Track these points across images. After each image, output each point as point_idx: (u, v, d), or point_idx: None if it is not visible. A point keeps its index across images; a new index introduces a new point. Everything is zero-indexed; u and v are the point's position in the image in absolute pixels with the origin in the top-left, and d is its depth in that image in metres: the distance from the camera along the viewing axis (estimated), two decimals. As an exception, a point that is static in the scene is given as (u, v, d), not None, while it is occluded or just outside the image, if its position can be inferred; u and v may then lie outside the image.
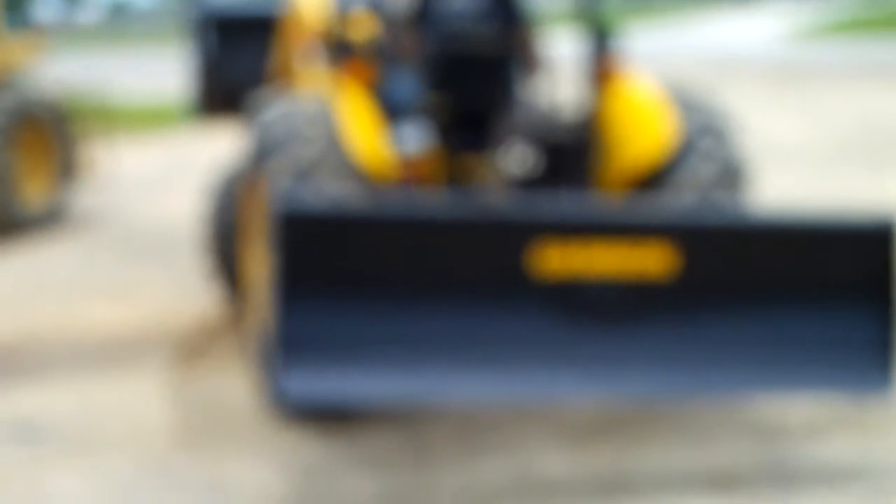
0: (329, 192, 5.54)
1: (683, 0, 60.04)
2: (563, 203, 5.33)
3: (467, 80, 6.60)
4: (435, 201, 5.39)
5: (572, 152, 6.48)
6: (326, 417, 5.77)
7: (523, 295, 5.03)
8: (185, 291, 8.40)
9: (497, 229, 5.05)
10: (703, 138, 6.21)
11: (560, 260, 5.01)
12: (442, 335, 5.00)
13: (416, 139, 6.16)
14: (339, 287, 4.91)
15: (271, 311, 4.91)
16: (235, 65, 8.29)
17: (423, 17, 6.71)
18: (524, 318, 5.05)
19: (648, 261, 5.06)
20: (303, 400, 4.91)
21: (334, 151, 5.72)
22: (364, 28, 6.49)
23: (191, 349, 7.14)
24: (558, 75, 6.83)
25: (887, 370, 5.21)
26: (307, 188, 5.53)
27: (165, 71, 20.92)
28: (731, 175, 6.17)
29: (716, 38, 36.24)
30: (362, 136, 5.84)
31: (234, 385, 6.40)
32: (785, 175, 10.50)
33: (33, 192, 11.01)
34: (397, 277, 4.98)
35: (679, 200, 5.95)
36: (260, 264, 6.07)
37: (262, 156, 5.81)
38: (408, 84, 6.45)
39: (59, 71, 15.16)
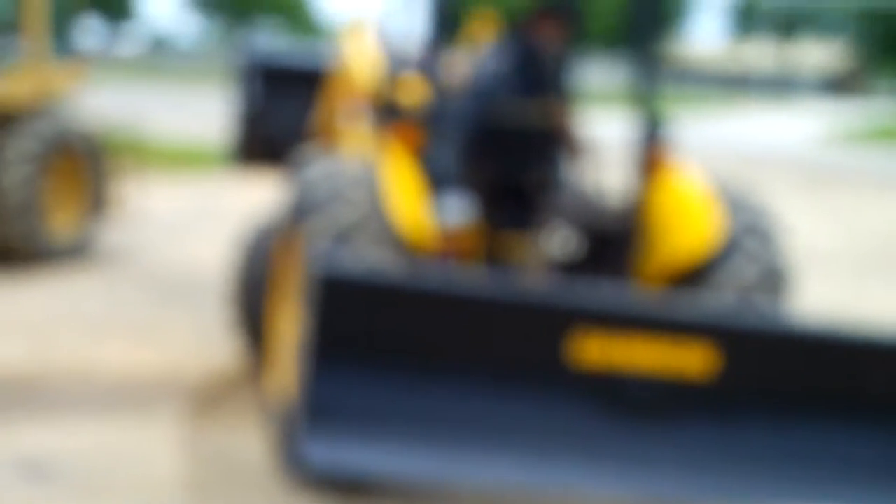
0: (367, 258, 5.44)
1: (718, 93, 60.19)
2: (607, 293, 5.24)
3: (510, 153, 6.54)
4: (477, 278, 5.31)
5: (615, 240, 6.39)
6: (341, 485, 5.64)
7: (559, 383, 4.94)
8: (206, 339, 8.30)
9: (539, 313, 4.96)
10: (749, 238, 6.12)
11: (600, 351, 4.91)
12: (471, 415, 4.90)
13: (459, 211, 6.07)
14: (370, 356, 4.82)
15: (298, 374, 4.81)
16: (279, 115, 8.24)
17: (472, 87, 6.66)
18: (557, 407, 4.95)
19: (689, 360, 4.96)
20: (324, 468, 4.80)
21: (376, 216, 5.64)
22: (414, 92, 6.43)
23: (207, 400, 7.03)
24: (603, 158, 6.75)
25: None
26: (346, 252, 5.43)
27: (203, 111, 20.96)
28: (773, 278, 6.08)
29: (751, 133, 36.21)
30: (405, 203, 5.75)
31: (249, 442, 6.27)
32: (818, 281, 10.37)
33: (61, 223, 10.95)
34: (431, 352, 4.89)
35: (722, 300, 5.84)
36: (289, 323, 5.96)
37: (301, 213, 5.72)
38: (452, 153, 6.37)
39: (97, 102, 15.16)
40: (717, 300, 5.86)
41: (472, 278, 5.25)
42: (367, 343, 4.84)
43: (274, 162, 8.24)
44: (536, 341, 4.94)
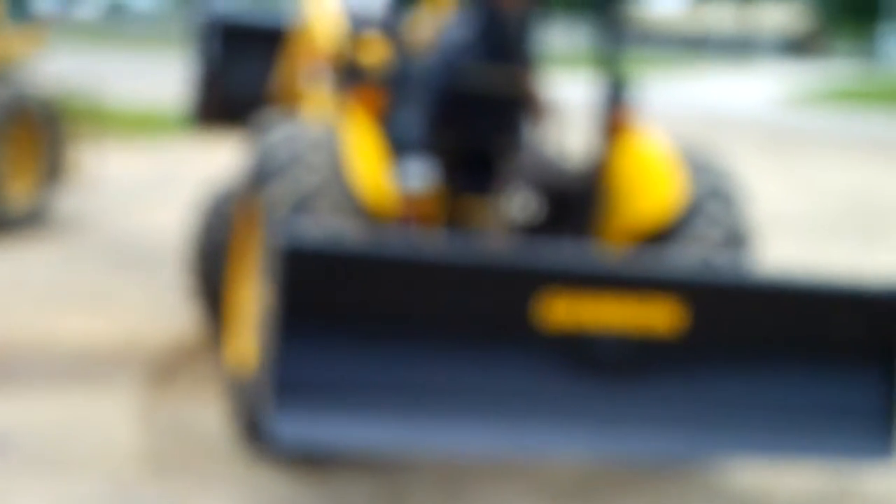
0: (328, 226, 5.36)
1: (679, 55, 60.27)
2: (572, 254, 5.20)
3: (474, 119, 6.47)
4: (440, 243, 5.24)
5: (576, 201, 6.33)
6: (299, 456, 5.58)
7: (526, 345, 4.89)
8: (163, 308, 8.21)
9: (505, 276, 4.91)
10: (711, 201, 6.07)
11: (567, 311, 4.88)
12: (440, 382, 4.85)
13: (420, 176, 5.99)
14: (336, 327, 4.75)
15: (265, 348, 4.74)
16: (238, 75, 8.09)
17: (433, 50, 6.57)
18: (525, 369, 4.92)
19: (656, 316, 4.94)
20: (295, 443, 4.71)
21: (336, 181, 5.55)
22: (376, 52, 6.33)
23: (165, 370, 6.95)
24: (566, 121, 6.68)
25: (888, 439, 5.10)
26: (307, 221, 5.34)
27: (161, 76, 20.78)
28: (736, 241, 6.04)
29: (710, 96, 36.29)
30: (366, 168, 5.67)
31: (207, 412, 6.21)
32: (781, 243, 10.36)
33: (17, 190, 10.79)
34: (398, 320, 4.82)
35: (687, 256, 5.81)
36: (249, 291, 5.88)
37: (261, 178, 5.62)
38: (414, 118, 6.28)
39: (54, 67, 14.97)
40: (685, 257, 5.83)
41: (436, 243, 5.19)
42: (332, 313, 4.76)
43: (233, 123, 8.11)
44: (503, 304, 4.89)
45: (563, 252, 5.44)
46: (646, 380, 5.01)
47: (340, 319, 4.77)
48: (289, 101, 7.44)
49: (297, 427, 4.64)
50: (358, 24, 6.83)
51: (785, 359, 5.14)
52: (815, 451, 5.12)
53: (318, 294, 4.73)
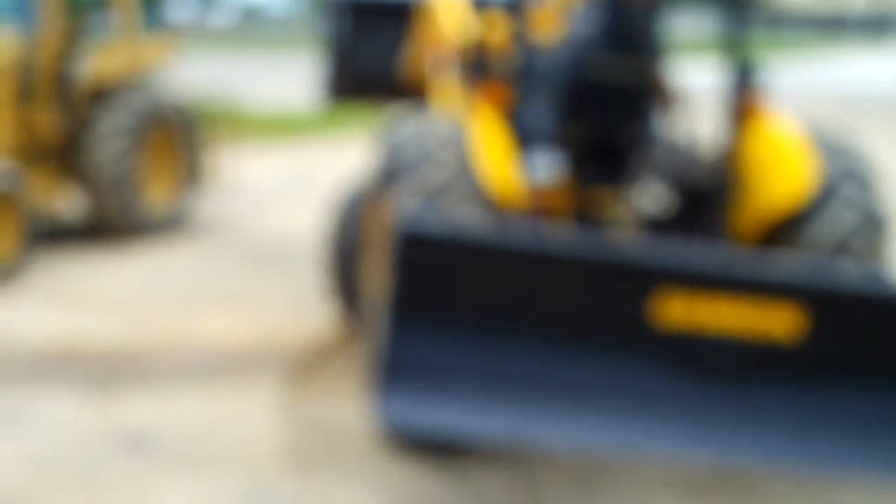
0: (455, 217, 5.39)
1: (813, 37, 59.22)
2: (693, 252, 5.11)
3: (602, 110, 6.44)
4: (561, 236, 5.21)
5: (708, 193, 6.26)
6: (438, 449, 5.62)
7: (641, 343, 4.83)
8: (303, 307, 8.32)
9: (622, 272, 4.84)
10: (846, 184, 5.96)
11: (683, 311, 4.80)
12: (553, 375, 4.82)
13: (548, 168, 5.99)
14: (453, 314, 4.74)
15: (381, 333, 4.77)
16: (369, 50, 8.21)
17: (560, 43, 6.57)
18: (639, 368, 4.85)
19: (775, 321, 4.82)
20: (403, 426, 4.73)
21: (464, 176, 5.58)
22: (500, 32, 6.35)
23: (305, 367, 7.05)
24: (695, 109, 6.62)
25: None
26: (432, 210, 5.38)
27: (295, 78, 21.00)
28: (872, 224, 5.92)
29: (845, 77, 35.53)
30: (494, 162, 5.69)
31: (347, 408, 6.28)
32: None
33: (157, 195, 11.03)
34: (514, 311, 4.80)
35: (812, 259, 5.68)
36: (377, 284, 5.94)
37: (390, 176, 5.68)
38: (542, 110, 6.29)
39: (190, 74, 15.25)
40: (810, 260, 5.71)
41: (559, 236, 5.16)
42: (451, 301, 4.76)
43: (365, 98, 8.24)
44: (620, 300, 4.83)
45: (683, 250, 5.37)
46: (759, 385, 4.89)
47: (455, 307, 4.76)
48: (416, 81, 7.51)
49: (404, 410, 4.64)
50: (483, 2, 6.87)
51: None
52: None
53: (435, 280, 4.72)
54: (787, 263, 5.49)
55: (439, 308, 4.74)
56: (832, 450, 4.89)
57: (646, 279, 4.82)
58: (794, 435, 4.88)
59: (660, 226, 6.14)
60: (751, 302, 4.83)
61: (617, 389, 4.86)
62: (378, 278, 5.87)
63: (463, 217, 5.41)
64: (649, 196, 6.16)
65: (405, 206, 5.35)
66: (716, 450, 4.87)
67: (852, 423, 4.91)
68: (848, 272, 5.52)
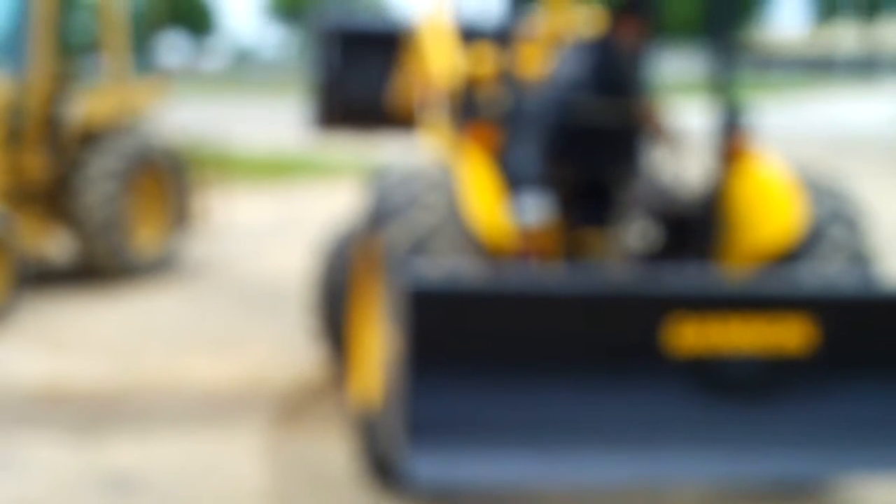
0: (448, 265, 5.39)
1: (802, 78, 59.49)
2: (697, 277, 5.13)
3: (589, 152, 6.46)
4: (564, 276, 5.22)
5: (695, 228, 6.29)
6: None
7: (656, 371, 4.86)
8: (290, 349, 8.31)
9: (632, 304, 4.88)
10: (834, 226, 5.98)
11: (696, 335, 4.84)
12: (572, 414, 4.82)
13: (537, 210, 6.00)
14: (463, 365, 4.75)
15: (394, 389, 4.77)
16: (357, 79, 8.21)
17: (547, 85, 6.59)
18: (656, 396, 4.88)
19: (787, 335, 4.89)
20: (431, 484, 4.71)
21: (453, 220, 5.58)
22: (491, 91, 6.36)
23: (292, 410, 7.03)
24: (684, 148, 6.65)
25: None
26: (427, 263, 5.37)
27: (284, 121, 21.05)
28: (860, 264, 5.93)
29: (834, 118, 35.66)
30: (483, 205, 5.70)
31: (334, 451, 6.26)
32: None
33: (146, 238, 11.03)
34: (526, 354, 4.81)
35: (814, 273, 5.73)
36: (371, 330, 5.93)
37: (379, 219, 5.68)
38: (530, 152, 6.30)
39: (180, 117, 15.27)
40: (810, 274, 5.75)
41: (559, 276, 5.18)
42: (458, 352, 4.76)
43: (354, 128, 8.24)
44: (631, 332, 4.86)
45: (688, 276, 5.38)
46: (778, 400, 4.95)
47: (467, 357, 4.76)
48: (405, 111, 7.52)
49: (433, 468, 4.63)
50: (470, 35, 6.89)
51: None
52: None
53: (444, 334, 4.72)
54: (791, 278, 5.55)
55: (450, 360, 4.74)
56: (856, 454, 4.94)
57: (656, 308, 4.87)
58: (818, 443, 4.94)
59: (648, 260, 6.17)
60: (761, 318, 4.89)
61: (639, 421, 4.89)
62: (372, 324, 5.86)
63: (457, 266, 5.41)
64: (636, 232, 6.18)
65: (399, 259, 5.34)
66: (739, 468, 4.89)
67: (874, 426, 4.98)
68: (850, 281, 5.58)
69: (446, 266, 5.36)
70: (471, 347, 4.78)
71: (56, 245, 10.98)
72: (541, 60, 6.83)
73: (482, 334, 4.80)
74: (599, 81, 6.50)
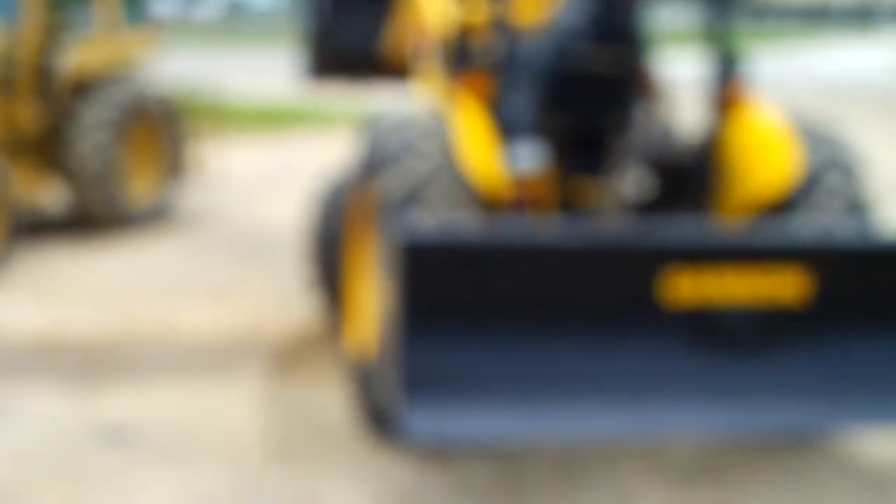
0: (442, 217, 5.37)
1: (799, 27, 59.32)
2: (692, 229, 5.12)
3: (584, 100, 6.43)
4: (558, 227, 5.20)
5: (690, 177, 6.27)
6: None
7: (652, 324, 4.85)
8: (285, 298, 8.31)
9: (628, 256, 4.86)
10: (830, 173, 5.96)
11: (691, 287, 4.82)
12: (568, 367, 4.81)
13: (531, 159, 5.98)
14: (459, 319, 4.73)
15: (390, 343, 4.76)
16: (349, 28, 8.17)
17: (543, 34, 6.55)
18: (652, 348, 4.86)
19: (782, 286, 4.88)
20: (427, 438, 4.71)
21: (447, 168, 5.56)
22: (485, 39, 6.32)
23: (288, 358, 7.04)
24: (678, 98, 6.62)
25: None
26: (421, 215, 5.34)
27: (278, 71, 20.98)
28: (856, 211, 5.93)
29: (830, 66, 35.61)
30: (476, 153, 5.67)
31: (330, 399, 6.28)
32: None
33: (140, 188, 11.02)
34: (523, 307, 4.79)
35: (809, 224, 5.72)
36: (366, 280, 5.93)
37: (373, 167, 5.66)
38: (524, 100, 6.27)
39: (174, 67, 15.21)
40: (804, 225, 5.74)
41: (553, 228, 5.16)
42: (454, 305, 4.73)
43: (346, 77, 8.21)
44: (626, 284, 4.84)
45: (683, 227, 5.36)
46: (774, 351, 4.95)
47: (462, 311, 4.74)
48: (398, 59, 7.48)
49: (429, 422, 4.62)
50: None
51: None
52: None
53: (439, 287, 4.70)
54: (786, 229, 5.54)
55: (445, 313, 4.72)
56: (853, 404, 4.94)
57: (651, 259, 4.84)
58: (814, 395, 4.93)
59: (643, 210, 6.15)
60: (756, 269, 4.88)
61: (635, 373, 4.88)
62: (366, 274, 5.85)
63: (452, 217, 5.39)
64: (631, 181, 6.16)
65: (394, 211, 5.31)
66: (735, 420, 4.89)
67: (869, 377, 4.98)
68: (845, 231, 5.56)
69: (440, 218, 5.34)
70: (465, 301, 4.76)
71: (50, 195, 10.96)
72: (538, 8, 6.79)
73: (477, 288, 4.77)
74: (598, 30, 6.46)
